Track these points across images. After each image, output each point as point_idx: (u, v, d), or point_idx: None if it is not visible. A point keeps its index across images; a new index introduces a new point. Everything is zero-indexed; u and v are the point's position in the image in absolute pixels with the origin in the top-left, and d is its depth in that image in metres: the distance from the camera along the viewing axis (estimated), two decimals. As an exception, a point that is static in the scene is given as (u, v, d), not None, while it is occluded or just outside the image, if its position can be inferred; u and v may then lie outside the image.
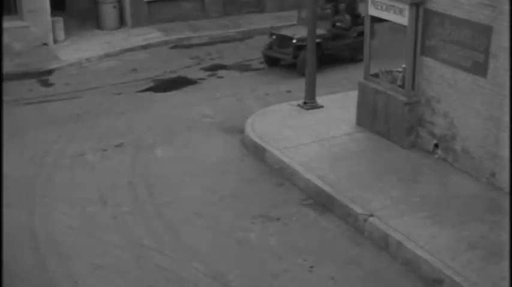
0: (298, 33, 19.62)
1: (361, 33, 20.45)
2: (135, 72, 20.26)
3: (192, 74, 19.97)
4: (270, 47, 20.26)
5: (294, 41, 19.49)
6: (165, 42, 22.82)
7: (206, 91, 18.61)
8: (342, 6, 20.73)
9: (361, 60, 20.20)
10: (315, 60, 16.47)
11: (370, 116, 14.86)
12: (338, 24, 20.44)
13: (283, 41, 19.83)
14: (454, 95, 13.20)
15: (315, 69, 16.48)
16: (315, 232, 11.81)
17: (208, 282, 10.45)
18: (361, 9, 21.25)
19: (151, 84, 19.25)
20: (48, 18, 21.71)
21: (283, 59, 20.12)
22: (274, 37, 20.12)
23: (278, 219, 12.16)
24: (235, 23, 24.68)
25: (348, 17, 20.67)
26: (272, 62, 20.38)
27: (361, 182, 12.81)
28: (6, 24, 20.28)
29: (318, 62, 18.71)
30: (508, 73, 11.91)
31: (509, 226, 10.84)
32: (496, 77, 12.21)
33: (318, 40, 18.99)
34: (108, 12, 23.70)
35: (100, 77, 19.80)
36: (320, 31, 19.29)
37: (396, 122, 14.22)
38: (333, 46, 20.33)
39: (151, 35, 23.26)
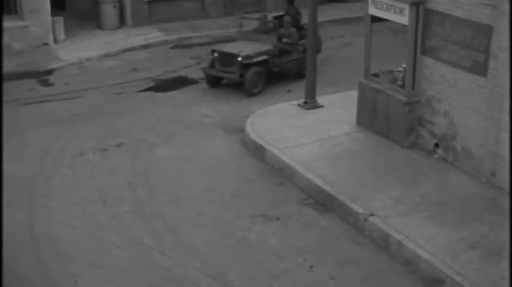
0: (244, 49, 18.15)
1: None
2: (135, 72, 20.25)
3: (192, 74, 19.94)
4: (211, 65, 18.44)
5: (240, 58, 17.79)
6: (165, 42, 22.80)
7: (206, 91, 18.59)
8: (287, 19, 19.11)
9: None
10: (315, 61, 16.44)
11: (370, 116, 14.85)
12: (284, 39, 18.84)
13: (227, 59, 18.06)
14: (454, 94, 13.19)
15: (315, 69, 16.46)
16: (315, 231, 11.80)
17: (208, 282, 10.45)
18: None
19: (152, 84, 19.23)
20: (49, 18, 21.69)
21: (227, 79, 18.43)
22: (216, 55, 18.27)
23: (278, 219, 12.15)
24: (236, 22, 24.61)
25: (293, 30, 18.97)
26: (215, 81, 18.61)
27: (361, 182, 12.80)
28: (6, 24, 20.24)
29: (266, 82, 18.19)
30: (508, 73, 11.90)
31: (509, 226, 10.83)
32: (496, 76, 12.20)
33: (264, 57, 18.25)
34: (108, 12, 23.68)
35: (100, 76, 19.79)
36: (266, 47, 18.38)
37: (396, 122, 14.21)
38: (281, 63, 18.59)
39: (152, 34, 23.24)
